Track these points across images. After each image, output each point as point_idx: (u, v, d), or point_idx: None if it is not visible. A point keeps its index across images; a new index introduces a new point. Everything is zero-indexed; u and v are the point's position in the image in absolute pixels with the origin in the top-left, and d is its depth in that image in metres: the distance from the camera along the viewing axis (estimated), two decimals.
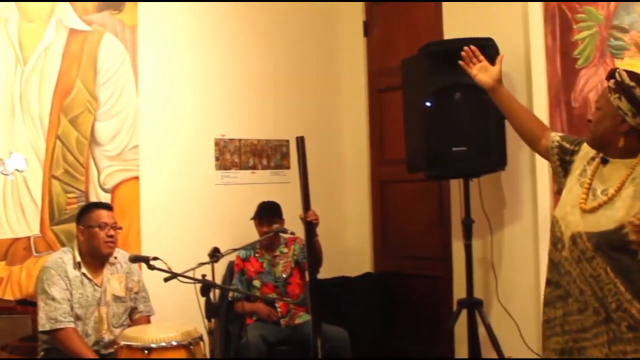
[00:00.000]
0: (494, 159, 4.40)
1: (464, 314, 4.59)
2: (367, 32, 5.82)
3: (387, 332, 5.39)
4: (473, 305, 4.54)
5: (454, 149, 4.37)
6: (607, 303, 2.57)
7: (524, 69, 4.51)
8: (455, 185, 4.84)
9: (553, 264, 2.79)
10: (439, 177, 4.80)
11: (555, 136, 2.98)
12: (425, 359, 4.92)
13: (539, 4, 4.34)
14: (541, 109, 4.27)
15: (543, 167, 4.25)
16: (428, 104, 4.45)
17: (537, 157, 4.26)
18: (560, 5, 4.26)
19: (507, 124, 4.39)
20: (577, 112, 4.13)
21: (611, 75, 2.70)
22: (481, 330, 4.54)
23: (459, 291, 4.80)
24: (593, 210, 2.64)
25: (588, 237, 2.61)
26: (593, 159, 2.79)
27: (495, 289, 4.76)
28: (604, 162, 2.73)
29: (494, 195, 4.78)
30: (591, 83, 4.12)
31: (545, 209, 4.27)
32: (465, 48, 3.20)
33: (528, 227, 4.56)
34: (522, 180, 4.63)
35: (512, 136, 4.54)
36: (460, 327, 4.71)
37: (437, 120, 4.44)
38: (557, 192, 2.95)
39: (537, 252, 4.35)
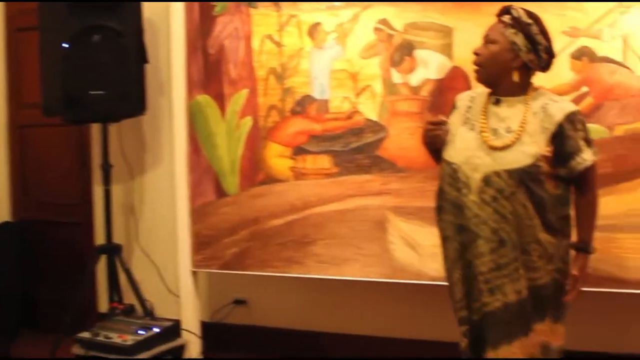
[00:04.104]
0: (134, 103, 4.38)
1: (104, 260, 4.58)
2: None
3: (28, 281, 5.20)
4: (112, 250, 4.54)
5: (92, 92, 4.27)
6: (523, 236, 2.72)
7: (165, 16, 4.50)
8: (97, 130, 4.75)
9: (457, 207, 2.83)
10: (77, 121, 4.65)
11: None
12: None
13: None
14: (179, 55, 4.29)
15: (180, 112, 4.30)
16: (65, 45, 4.30)
17: (175, 102, 4.32)
18: None
19: (146, 67, 4.45)
20: (213, 59, 4.22)
21: (506, 11, 2.80)
22: (123, 275, 4.55)
23: (101, 237, 4.75)
24: (505, 147, 2.72)
25: (510, 175, 2.70)
26: (469, 107, 2.90)
27: (136, 233, 4.80)
28: (497, 102, 2.82)
29: (135, 140, 4.80)
30: (227, 30, 4.21)
31: (181, 154, 4.32)
32: None
33: (168, 171, 4.61)
34: (161, 125, 4.70)
35: (151, 81, 4.58)
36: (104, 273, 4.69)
37: (75, 63, 4.29)
38: None
39: (175, 196, 4.40)
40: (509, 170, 2.72)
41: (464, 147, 2.84)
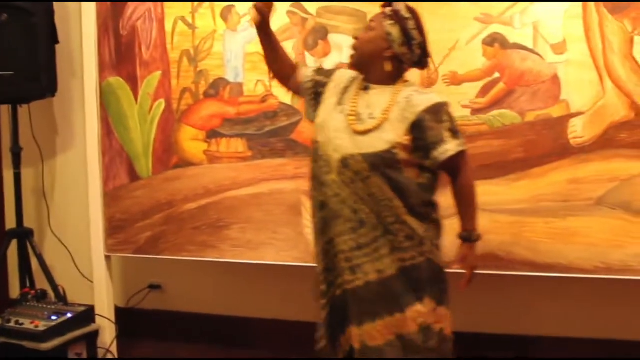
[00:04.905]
0: (44, 84, 4.27)
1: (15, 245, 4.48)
2: None
3: None
4: (23, 235, 4.45)
5: (0, 73, 4.16)
6: (384, 217, 2.77)
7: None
8: (5, 112, 4.63)
9: (320, 184, 2.88)
10: None
11: (308, 71, 3.10)
12: None
13: None
14: (90, 36, 4.18)
15: (92, 94, 4.20)
16: None
17: (87, 84, 4.23)
18: None
19: (57, 48, 4.35)
20: (125, 40, 4.14)
21: (389, 4, 2.87)
22: (35, 260, 4.45)
23: (12, 221, 4.63)
24: (366, 132, 2.79)
25: (364, 158, 2.76)
26: (346, 88, 2.96)
27: (47, 218, 4.72)
28: (366, 88, 2.89)
29: (46, 122, 4.71)
30: (139, 11, 4.12)
31: (94, 137, 4.23)
32: None
33: (80, 154, 4.53)
34: (73, 107, 4.62)
35: (63, 62, 4.47)
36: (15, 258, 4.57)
37: None
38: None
39: (87, 179, 4.32)
40: (363, 154, 2.79)
41: (332, 128, 2.91)
